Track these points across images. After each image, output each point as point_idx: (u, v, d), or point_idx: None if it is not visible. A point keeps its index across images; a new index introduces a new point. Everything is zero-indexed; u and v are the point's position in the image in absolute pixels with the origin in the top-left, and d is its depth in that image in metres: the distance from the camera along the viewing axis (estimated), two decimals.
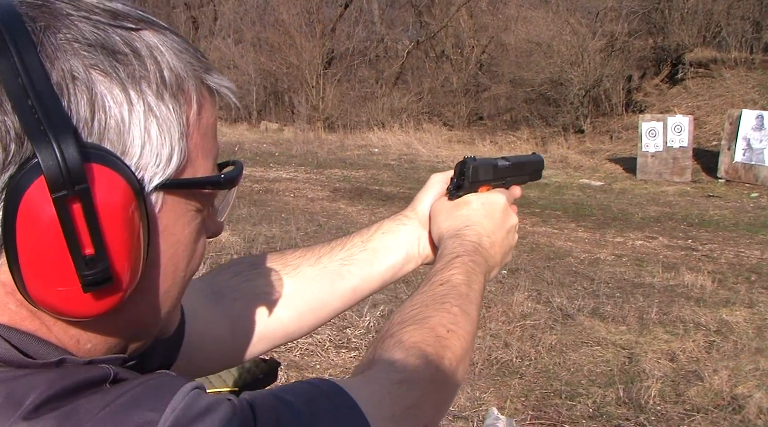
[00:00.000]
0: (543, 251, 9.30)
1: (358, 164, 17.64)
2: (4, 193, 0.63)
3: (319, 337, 5.91)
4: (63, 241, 0.63)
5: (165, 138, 0.70)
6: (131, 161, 0.68)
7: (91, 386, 0.66)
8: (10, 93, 0.62)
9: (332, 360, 5.61)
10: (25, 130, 0.62)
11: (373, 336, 6.02)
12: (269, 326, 1.23)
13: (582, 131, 21.03)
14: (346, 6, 28.96)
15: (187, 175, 0.74)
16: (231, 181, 0.80)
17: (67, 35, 0.66)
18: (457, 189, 1.32)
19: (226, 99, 0.81)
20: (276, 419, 0.71)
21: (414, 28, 30.35)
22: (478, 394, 5.07)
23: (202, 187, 0.77)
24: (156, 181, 0.70)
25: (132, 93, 0.68)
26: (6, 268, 0.65)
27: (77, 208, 0.62)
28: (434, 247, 1.33)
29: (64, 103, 0.64)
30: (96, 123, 0.66)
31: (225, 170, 0.82)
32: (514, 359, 5.69)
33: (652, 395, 5.01)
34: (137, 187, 0.67)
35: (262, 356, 2.89)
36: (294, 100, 27.63)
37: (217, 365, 1.23)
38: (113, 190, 0.65)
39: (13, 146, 0.63)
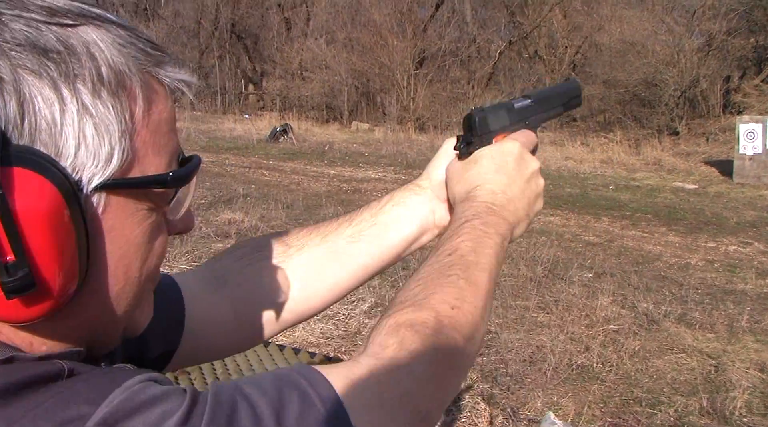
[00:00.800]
0: (631, 255, 9.09)
1: None
2: None
3: None
4: None
5: (103, 137, 0.68)
6: (66, 162, 0.66)
7: (40, 382, 0.64)
8: None
9: None
10: None
11: None
12: (276, 309, 1.19)
13: (677, 133, 20.55)
14: (438, 6, 28.93)
15: (135, 174, 0.72)
16: (180, 180, 0.77)
17: None
18: (466, 145, 1.20)
19: (178, 93, 0.78)
20: (229, 414, 0.67)
21: (506, 28, 30.17)
22: (555, 398, 4.99)
23: (147, 187, 0.74)
24: (96, 182, 0.68)
25: (65, 92, 0.66)
26: None
27: None
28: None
29: None
30: (26, 125, 0.64)
31: (176, 168, 0.78)
32: (595, 364, 5.58)
33: (738, 406, 4.84)
34: (69, 189, 0.65)
35: (309, 351, 2.91)
36: (385, 101, 27.73)
37: (224, 350, 1.20)
38: (36, 193, 0.62)
39: None
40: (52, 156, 0.65)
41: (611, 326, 6.37)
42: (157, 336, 1.01)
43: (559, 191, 14.25)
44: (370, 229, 1.24)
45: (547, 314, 6.72)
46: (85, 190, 0.67)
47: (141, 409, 0.63)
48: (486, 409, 4.78)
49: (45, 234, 0.63)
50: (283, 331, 1.24)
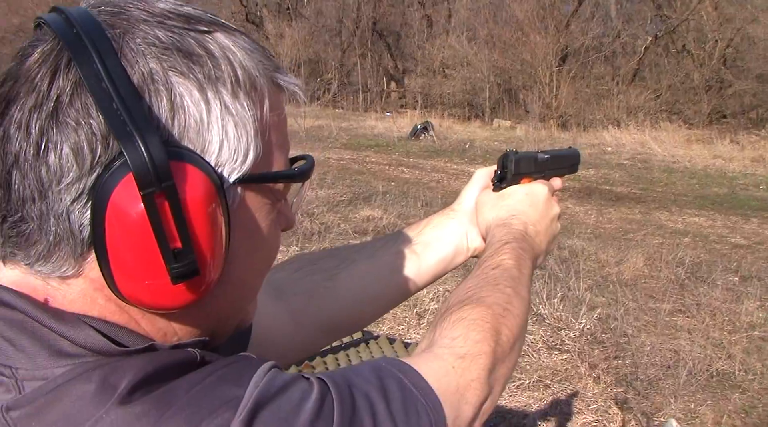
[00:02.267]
0: None
1: (588, 163, 17.22)
2: (93, 193, 0.66)
3: (531, 337, 5.88)
4: (152, 236, 0.66)
5: (241, 135, 0.74)
6: (211, 158, 0.71)
7: (180, 368, 0.69)
8: (96, 97, 0.65)
9: (543, 361, 5.56)
10: (112, 131, 0.65)
11: (587, 339, 5.92)
12: (330, 319, 1.29)
13: None
14: (581, 1, 28.38)
15: (263, 170, 0.78)
16: (304, 175, 0.83)
17: (145, 40, 0.70)
18: (500, 181, 1.37)
19: (295, 96, 0.84)
20: (349, 394, 0.74)
21: (653, 22, 29.26)
22: (693, 406, 4.86)
23: (278, 181, 0.80)
24: (234, 177, 0.74)
25: (209, 93, 0.71)
26: (95, 264, 0.69)
27: (164, 204, 0.65)
28: (483, 238, 1.36)
29: (146, 105, 0.68)
30: (176, 122, 0.69)
31: (296, 164, 0.85)
32: (737, 372, 5.39)
33: None
34: (218, 182, 0.70)
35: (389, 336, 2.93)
36: (527, 98, 27.44)
37: (285, 357, 1.26)
38: (197, 186, 0.68)
39: (99, 148, 0.66)
40: (199, 152, 0.71)
41: (756, 333, 6.14)
42: (226, 345, 1.07)
43: (706, 191, 13.78)
44: (412, 247, 1.36)
45: (687, 317, 6.54)
46: (226, 184, 0.73)
47: (283, 391, 0.70)
48: (618, 414, 4.71)
49: (204, 224, 0.69)
50: (337, 340, 1.35)
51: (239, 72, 0.74)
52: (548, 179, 1.44)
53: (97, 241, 0.67)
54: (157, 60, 0.69)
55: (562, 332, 6.07)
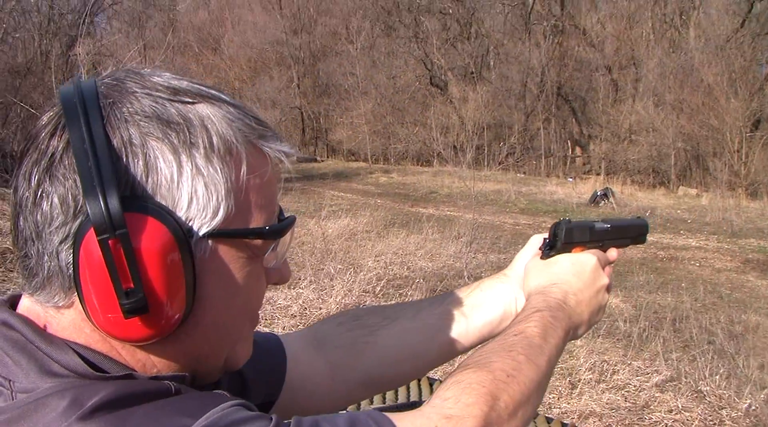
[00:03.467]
0: None
1: None
2: (75, 237, 0.77)
3: (688, 414, 5.68)
4: (107, 275, 0.75)
5: (211, 194, 0.82)
6: (180, 213, 0.81)
7: (150, 396, 0.78)
8: (77, 156, 0.76)
9: None
10: (82, 186, 0.75)
11: (750, 421, 5.66)
12: (368, 374, 1.32)
13: None
14: None
15: (237, 225, 0.86)
16: (275, 233, 0.90)
17: (130, 109, 0.81)
18: (549, 249, 1.36)
19: (278, 162, 0.91)
20: None
21: None
22: None
23: (247, 237, 0.87)
24: (204, 230, 0.82)
25: (183, 156, 0.81)
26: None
27: (118, 248, 0.74)
28: None
29: (123, 164, 0.78)
30: (150, 180, 0.79)
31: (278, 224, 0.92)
32: None
33: None
34: (180, 234, 0.79)
35: (563, 421, 2.93)
36: (716, 165, 26.44)
37: (319, 407, 1.29)
38: (153, 235, 0.77)
39: (80, 199, 0.77)
40: (169, 207, 0.80)
41: None
42: (260, 386, 1.17)
43: None
44: (459, 309, 1.37)
45: None
46: (194, 237, 0.82)
47: (234, 425, 0.76)
48: None
49: (158, 269, 0.77)
50: (374, 395, 1.38)
51: (214, 139, 0.83)
52: (605, 250, 1.42)
53: (75, 277, 0.77)
54: (137, 126, 0.80)
55: (723, 411, 5.81)
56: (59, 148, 0.79)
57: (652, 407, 5.88)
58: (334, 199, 15.06)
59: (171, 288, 0.79)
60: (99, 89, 0.82)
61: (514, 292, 1.39)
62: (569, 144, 35.45)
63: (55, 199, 0.79)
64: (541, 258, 1.36)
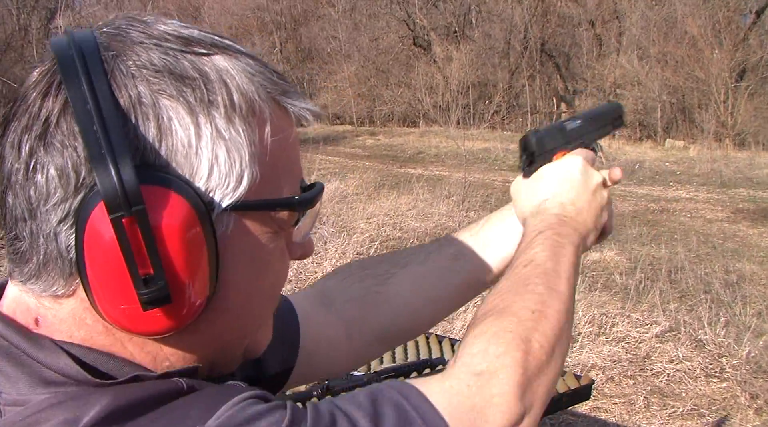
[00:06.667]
0: None
1: (766, 184, 16.42)
2: (77, 214, 0.66)
3: (689, 363, 5.71)
4: (122, 260, 0.64)
5: (234, 160, 0.71)
6: (200, 183, 0.70)
7: (156, 402, 0.68)
8: (78, 119, 0.64)
9: (699, 389, 5.39)
10: (88, 154, 0.64)
11: (750, 367, 5.69)
12: (382, 325, 1.23)
13: None
14: (760, 13, 27.09)
15: (263, 196, 0.75)
16: (306, 203, 0.80)
17: (137, 62, 0.69)
18: (528, 165, 1.25)
19: (302, 120, 0.81)
20: (329, 425, 0.71)
21: None
22: None
23: (274, 209, 0.77)
24: (226, 203, 0.71)
25: (200, 117, 0.70)
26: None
27: (134, 228, 0.64)
28: None
29: (131, 128, 0.67)
30: (164, 146, 0.68)
31: (299, 193, 0.81)
32: None
33: None
34: (202, 208, 0.68)
35: (576, 373, 2.92)
36: (703, 117, 26.43)
37: (338, 367, 1.24)
38: (172, 211, 0.66)
39: (83, 170, 0.66)
40: (187, 177, 0.69)
41: None
42: (275, 355, 1.06)
43: None
44: (470, 248, 1.28)
45: None
46: (216, 211, 0.71)
47: (248, 422, 0.67)
48: None
49: (179, 250, 0.67)
50: (391, 348, 1.28)
51: (235, 96, 0.73)
52: (589, 146, 1.31)
53: (80, 262, 0.67)
54: (146, 83, 0.69)
55: (723, 359, 5.85)
56: (55, 110, 0.68)
57: (653, 357, 5.91)
58: (322, 164, 14.92)
59: (194, 273, 0.69)
60: (99, 40, 0.70)
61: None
62: (554, 100, 35.30)
63: (52, 171, 0.67)
64: (524, 178, 1.26)
